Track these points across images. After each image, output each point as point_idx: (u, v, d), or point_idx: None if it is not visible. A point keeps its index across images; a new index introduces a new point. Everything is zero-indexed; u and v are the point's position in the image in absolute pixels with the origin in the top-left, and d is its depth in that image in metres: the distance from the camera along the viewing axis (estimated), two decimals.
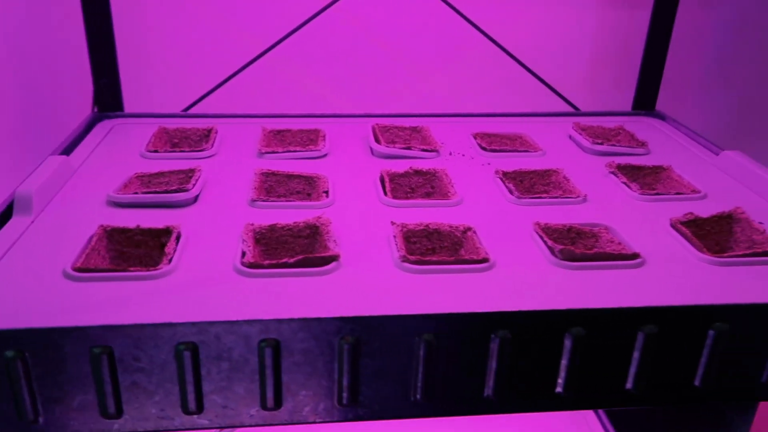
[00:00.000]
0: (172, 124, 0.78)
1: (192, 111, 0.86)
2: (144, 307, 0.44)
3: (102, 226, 0.54)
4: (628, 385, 0.47)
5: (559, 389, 0.47)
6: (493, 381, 0.45)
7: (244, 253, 0.51)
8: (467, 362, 0.45)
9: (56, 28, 0.90)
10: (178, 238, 0.53)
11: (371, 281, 0.48)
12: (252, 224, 0.55)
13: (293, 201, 0.61)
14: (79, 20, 0.79)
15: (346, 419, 0.46)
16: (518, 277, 0.49)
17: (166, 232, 0.54)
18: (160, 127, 0.76)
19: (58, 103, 0.91)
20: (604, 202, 0.63)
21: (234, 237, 0.54)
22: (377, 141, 0.73)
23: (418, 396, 0.46)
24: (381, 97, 0.95)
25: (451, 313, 0.44)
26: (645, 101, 0.89)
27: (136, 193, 0.60)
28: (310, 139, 0.76)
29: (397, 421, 0.47)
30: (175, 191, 0.60)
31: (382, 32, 0.94)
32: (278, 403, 0.45)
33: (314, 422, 0.46)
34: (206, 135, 0.75)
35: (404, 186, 0.66)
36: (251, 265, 0.49)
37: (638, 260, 0.51)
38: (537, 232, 0.55)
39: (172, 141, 0.75)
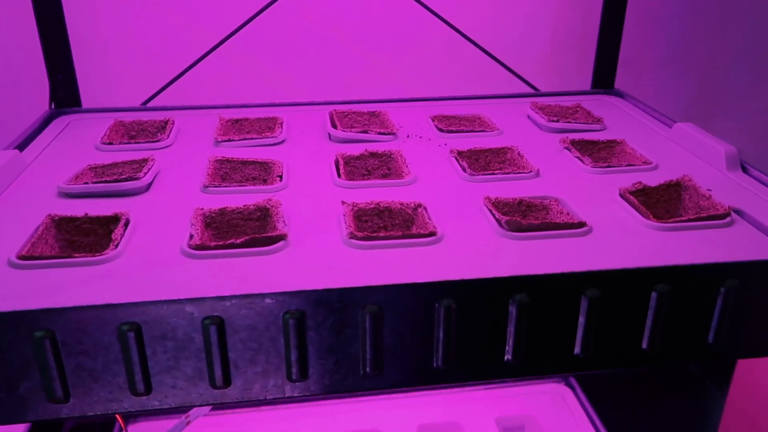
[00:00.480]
0: (129, 117, 0.77)
1: (151, 104, 0.86)
2: (87, 291, 0.44)
3: (50, 215, 0.53)
4: (576, 350, 0.48)
5: (508, 356, 0.47)
6: (441, 350, 0.46)
7: (192, 236, 0.51)
8: (414, 333, 0.45)
9: (9, 23, 0.89)
10: (126, 225, 0.53)
11: (319, 258, 0.48)
12: (201, 208, 0.55)
13: (246, 186, 0.61)
14: (31, 16, 0.78)
15: (297, 395, 0.46)
16: (465, 249, 0.50)
17: (114, 219, 0.54)
18: (116, 120, 0.76)
19: (14, 101, 0.91)
20: (556, 176, 0.63)
21: (184, 223, 0.54)
22: (334, 126, 0.74)
23: (367, 369, 0.46)
24: (340, 84, 0.95)
25: (395, 284, 0.44)
26: (603, 79, 0.90)
27: (87, 183, 0.60)
28: (267, 126, 0.75)
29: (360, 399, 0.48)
30: (126, 180, 0.59)
31: (339, 19, 0.95)
32: (227, 381, 0.45)
33: (266, 399, 0.46)
34: (162, 126, 0.75)
35: (360, 168, 0.66)
36: (198, 247, 0.49)
37: (585, 228, 0.52)
38: (487, 206, 0.55)
39: (129, 133, 0.75)
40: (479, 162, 0.66)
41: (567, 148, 0.68)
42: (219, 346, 0.44)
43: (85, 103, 0.83)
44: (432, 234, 0.51)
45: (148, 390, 0.44)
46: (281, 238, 0.50)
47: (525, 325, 0.46)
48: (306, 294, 0.43)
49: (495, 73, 0.93)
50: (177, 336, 0.43)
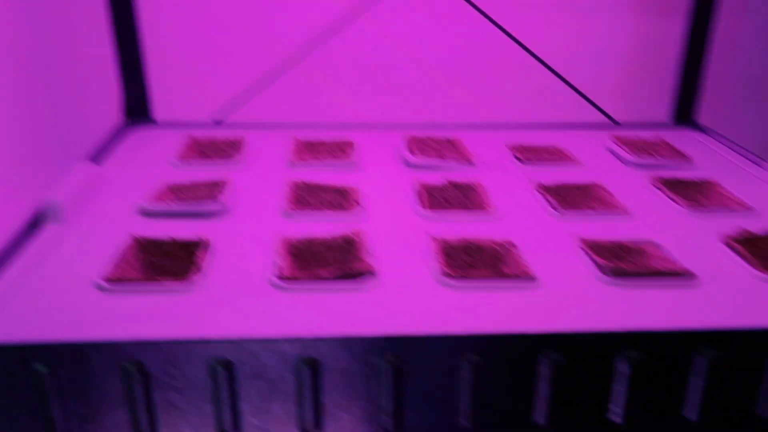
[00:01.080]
0: (202, 133, 0.77)
1: (221, 121, 0.85)
2: (177, 322, 0.42)
3: (134, 236, 0.52)
4: (689, 413, 0.44)
5: (616, 418, 0.44)
6: (544, 405, 0.43)
7: (278, 267, 0.49)
8: (515, 385, 0.43)
9: (84, 34, 0.89)
10: (210, 250, 0.51)
11: (411, 297, 0.46)
12: (286, 237, 0.53)
13: (326, 212, 0.59)
14: (107, 27, 0.78)
15: None
16: (565, 295, 0.47)
17: (198, 243, 0.52)
18: (190, 136, 0.75)
19: (85, 112, 0.91)
20: (648, 216, 0.60)
21: (266, 248, 0.52)
22: (411, 152, 0.72)
23: (464, 421, 0.43)
24: (412, 106, 0.93)
25: (497, 334, 0.42)
26: (684, 113, 0.87)
27: (168, 203, 0.58)
28: (341, 149, 0.74)
29: None
30: (207, 202, 0.58)
31: (413, 41, 0.93)
32: (318, 426, 0.43)
33: None
34: (236, 145, 0.74)
35: (439, 198, 0.64)
36: (285, 279, 0.47)
37: (691, 278, 0.49)
38: (582, 248, 0.53)
39: (203, 151, 0.74)
40: (566, 198, 0.64)
41: (657, 187, 0.65)
42: (312, 389, 0.42)
43: (155, 115, 0.83)
44: (528, 276, 0.48)
45: (237, 429, 0.42)
46: (369, 272, 0.48)
47: (636, 384, 0.43)
48: (405, 340, 0.41)
49: (566, 98, 0.90)
50: (269, 375, 0.41)
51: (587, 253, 0.52)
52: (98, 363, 0.40)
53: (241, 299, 0.45)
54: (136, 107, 0.82)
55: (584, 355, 0.42)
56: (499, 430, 0.44)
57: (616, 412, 0.44)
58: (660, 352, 0.43)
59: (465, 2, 0.85)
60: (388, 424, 0.43)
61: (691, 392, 0.44)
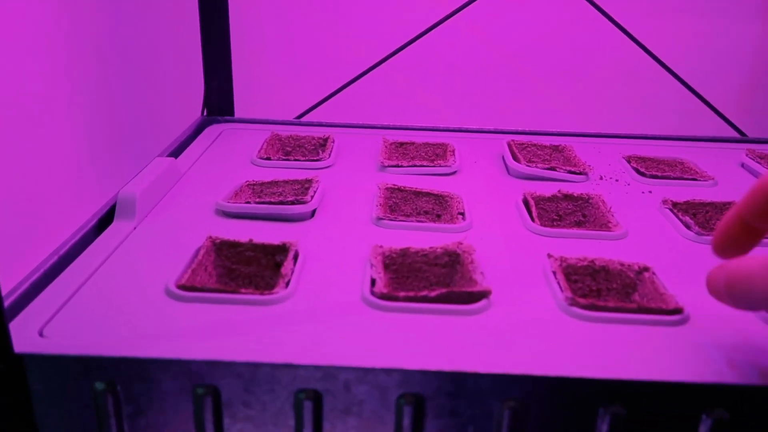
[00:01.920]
0: (284, 131, 0.71)
1: (305, 119, 0.80)
2: (258, 340, 0.36)
3: (210, 237, 0.47)
4: None
5: None
6: None
7: (373, 281, 0.42)
8: None
9: (167, 28, 0.86)
10: (296, 258, 0.45)
11: (533, 327, 0.39)
12: (381, 247, 0.46)
13: (424, 222, 0.52)
14: (195, 22, 0.74)
15: None
16: (722, 337, 0.38)
17: (282, 249, 0.46)
18: (272, 133, 0.69)
19: (168, 108, 0.87)
20: None
21: (357, 258, 0.46)
22: (515, 159, 0.64)
23: None
24: (511, 112, 0.85)
25: (645, 381, 0.34)
26: None
27: (248, 202, 0.53)
28: (436, 153, 0.67)
29: None
30: (292, 203, 0.52)
31: (514, 40, 0.85)
32: None
33: None
34: (322, 144, 0.68)
35: (550, 212, 0.56)
36: (384, 297, 0.40)
37: None
38: None
39: (285, 149, 0.68)
40: (697, 217, 0.55)
41: None
42: (413, 431, 0.34)
43: (237, 112, 0.78)
44: (677, 312, 0.40)
45: None
46: (484, 295, 0.40)
47: None
48: (530, 380, 0.34)
49: (688, 108, 0.81)
50: (363, 412, 0.34)
51: None
52: (164, 383, 0.34)
53: (332, 318, 0.39)
54: (219, 104, 0.77)
55: (756, 412, 0.34)
56: None
57: None
58: None
59: (585, 2, 0.77)
60: None
61: None
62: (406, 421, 0.34)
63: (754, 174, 0.65)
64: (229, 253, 0.47)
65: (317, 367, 0.34)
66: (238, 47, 0.77)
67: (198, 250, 0.45)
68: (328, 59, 0.85)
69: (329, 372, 0.34)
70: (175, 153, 0.65)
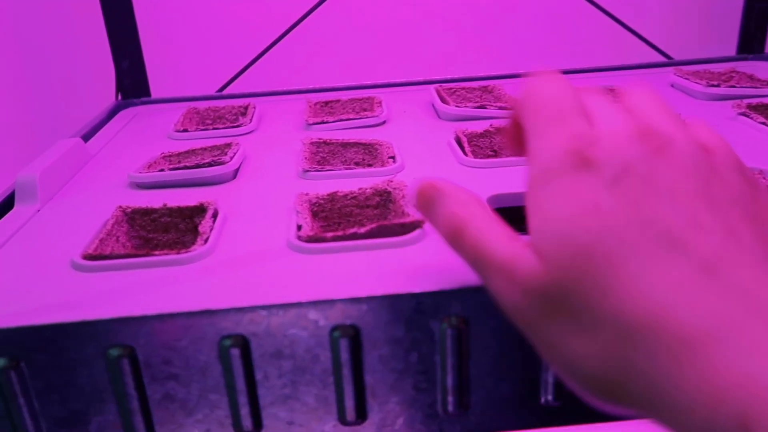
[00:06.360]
0: (204, 105, 0.68)
1: (226, 92, 0.76)
2: (174, 295, 0.33)
3: (120, 207, 0.43)
4: None
5: None
6: None
7: (299, 227, 0.39)
8: None
9: (75, 11, 0.81)
10: (215, 216, 0.42)
11: None
12: (306, 194, 0.43)
13: (354, 169, 0.50)
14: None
15: None
16: None
17: (200, 209, 0.43)
18: (189, 106, 0.66)
19: (80, 93, 0.82)
20: (748, 146, 0.50)
21: (283, 212, 0.43)
22: (444, 102, 0.62)
23: (549, 396, 0.33)
24: (436, 62, 0.84)
25: None
26: (752, 43, 0.76)
27: (163, 170, 0.49)
28: (363, 107, 0.64)
29: None
30: (209, 165, 0.49)
31: None
32: (362, 415, 0.33)
33: None
34: (243, 112, 0.65)
35: (485, 148, 0.54)
36: (310, 239, 0.38)
37: None
38: None
39: (204, 121, 0.65)
40: None
41: (744, 114, 0.55)
42: (352, 367, 0.32)
43: (154, 92, 0.74)
44: None
45: (258, 426, 0.33)
46: (417, 225, 0.38)
47: None
48: (470, 293, 0.31)
49: (613, 38, 0.80)
50: (296, 353, 0.32)
51: None
52: (73, 351, 0.31)
53: (256, 265, 0.36)
54: (131, 86, 0.73)
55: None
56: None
57: None
58: None
59: None
60: (450, 403, 0.33)
61: None
62: (345, 356, 0.31)
63: (686, 92, 0.64)
64: (143, 221, 0.43)
65: (239, 309, 0.31)
66: (147, 24, 0.73)
67: (107, 221, 0.42)
68: (244, 28, 0.82)
69: (253, 314, 0.31)
70: (86, 136, 0.61)
